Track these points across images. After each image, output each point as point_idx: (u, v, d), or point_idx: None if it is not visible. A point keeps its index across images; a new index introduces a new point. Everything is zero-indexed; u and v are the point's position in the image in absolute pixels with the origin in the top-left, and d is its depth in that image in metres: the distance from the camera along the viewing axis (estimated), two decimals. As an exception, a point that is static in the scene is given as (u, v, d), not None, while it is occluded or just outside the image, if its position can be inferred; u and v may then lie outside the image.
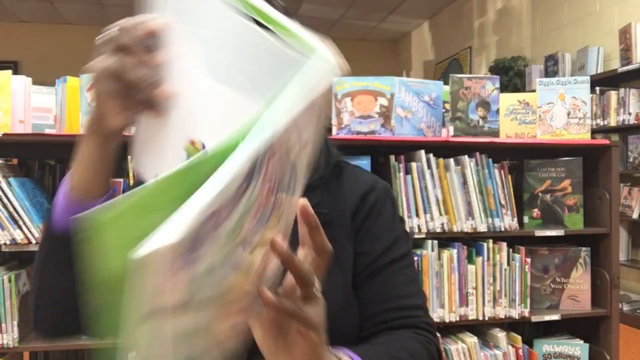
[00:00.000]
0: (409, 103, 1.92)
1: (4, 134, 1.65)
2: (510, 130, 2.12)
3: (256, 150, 0.38)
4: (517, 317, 1.90)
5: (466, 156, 1.88)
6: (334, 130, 1.88)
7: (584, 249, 2.02)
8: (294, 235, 0.78)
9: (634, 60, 3.90)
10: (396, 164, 1.83)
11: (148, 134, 0.59)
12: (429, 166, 1.85)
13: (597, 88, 4.13)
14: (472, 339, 1.88)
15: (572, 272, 2.03)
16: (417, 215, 1.83)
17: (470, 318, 1.86)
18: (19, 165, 1.90)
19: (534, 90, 2.18)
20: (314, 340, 0.54)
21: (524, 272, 1.92)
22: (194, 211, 0.33)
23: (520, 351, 1.91)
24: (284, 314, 0.51)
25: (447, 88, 2.02)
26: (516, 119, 2.13)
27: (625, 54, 3.99)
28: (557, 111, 2.03)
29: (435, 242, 1.85)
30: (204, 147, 0.57)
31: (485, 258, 1.88)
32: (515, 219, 1.92)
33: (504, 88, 4.94)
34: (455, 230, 1.85)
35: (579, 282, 2.02)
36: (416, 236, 1.83)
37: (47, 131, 1.80)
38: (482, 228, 1.87)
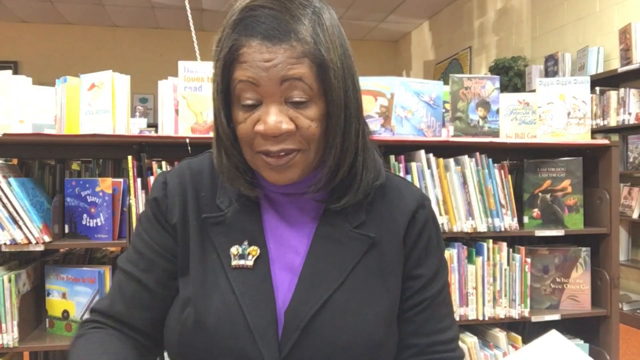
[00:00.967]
0: (409, 103, 1.92)
1: (4, 134, 1.65)
2: (510, 130, 2.12)
3: None
4: (517, 317, 1.90)
5: (466, 156, 1.88)
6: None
7: (584, 249, 2.02)
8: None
9: (634, 60, 3.90)
10: (396, 164, 1.83)
11: None
12: (429, 166, 1.85)
13: (597, 88, 4.13)
14: (472, 339, 1.88)
15: (572, 272, 2.03)
16: (417, 215, 1.82)
17: (470, 318, 1.86)
18: (19, 165, 1.90)
19: (534, 90, 2.18)
20: None
21: (524, 272, 1.92)
22: None
23: (520, 351, 1.91)
24: None
25: (447, 88, 2.02)
26: (516, 119, 2.13)
27: (625, 54, 3.99)
28: (557, 111, 2.03)
29: (435, 242, 1.85)
30: None
31: (485, 258, 1.88)
32: (515, 219, 1.92)
33: (504, 88, 4.93)
34: (455, 230, 1.85)
35: (579, 282, 2.02)
36: (416, 236, 1.83)
37: (47, 131, 1.80)
38: (482, 228, 1.87)
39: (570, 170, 2.01)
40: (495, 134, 1.98)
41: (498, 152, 2.02)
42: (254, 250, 0.76)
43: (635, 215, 3.90)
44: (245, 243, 0.77)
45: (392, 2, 6.74)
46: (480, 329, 1.98)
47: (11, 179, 1.67)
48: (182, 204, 0.80)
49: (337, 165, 0.75)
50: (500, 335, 1.91)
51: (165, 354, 0.83)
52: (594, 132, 4.12)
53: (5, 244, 1.65)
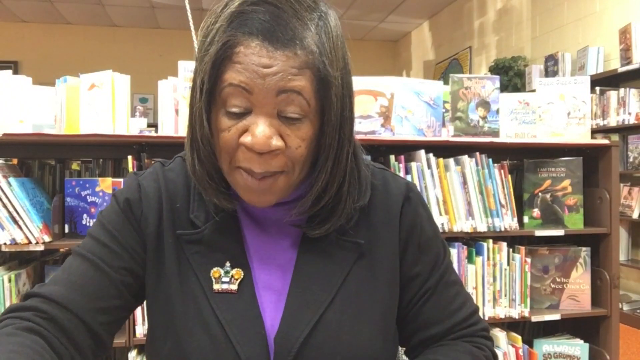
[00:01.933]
0: (409, 103, 1.92)
1: (4, 134, 1.65)
2: (510, 130, 2.12)
3: None
4: (517, 317, 1.90)
5: (466, 156, 1.88)
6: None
7: (584, 249, 2.02)
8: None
9: (634, 60, 3.90)
10: (396, 163, 1.83)
11: None
12: (429, 166, 1.85)
13: (597, 88, 4.12)
14: (472, 339, 1.88)
15: (572, 272, 2.02)
16: (417, 215, 1.82)
17: (470, 318, 1.86)
18: (19, 165, 1.90)
19: (534, 90, 2.18)
20: None
21: (524, 272, 1.92)
22: None
23: (520, 351, 1.91)
24: None
25: (447, 88, 2.02)
26: (516, 119, 2.13)
27: (625, 54, 3.99)
28: (557, 111, 2.03)
29: (435, 242, 1.85)
30: None
31: (485, 258, 1.88)
32: (515, 219, 1.92)
33: (504, 88, 4.93)
34: (455, 230, 1.85)
35: (579, 282, 2.02)
36: (416, 236, 1.83)
37: (47, 131, 1.80)
38: (482, 228, 1.87)
39: (570, 170, 2.01)
40: (495, 134, 1.98)
41: (498, 152, 2.02)
42: (238, 273, 0.69)
43: (635, 215, 3.90)
44: (228, 265, 0.70)
45: (392, 2, 6.74)
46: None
47: (11, 179, 1.67)
48: (158, 214, 0.72)
49: (323, 190, 0.68)
50: (500, 335, 1.91)
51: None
52: (594, 132, 4.12)
53: (5, 244, 1.64)
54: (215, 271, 0.69)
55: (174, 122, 1.83)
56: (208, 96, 0.63)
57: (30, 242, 1.66)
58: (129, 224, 0.72)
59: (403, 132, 1.90)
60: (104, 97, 1.78)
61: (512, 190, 1.93)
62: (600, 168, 2.03)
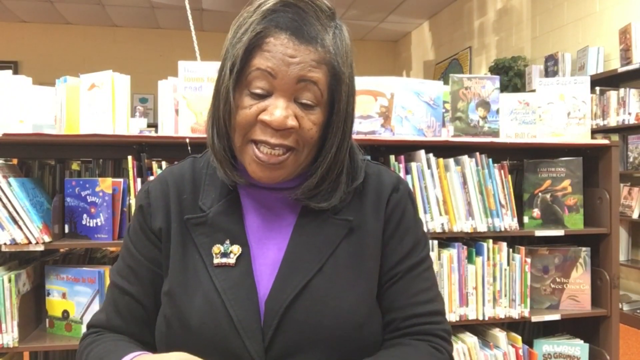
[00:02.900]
0: (409, 103, 1.92)
1: (4, 134, 1.65)
2: (510, 130, 2.12)
3: None
4: (517, 317, 1.90)
5: (466, 156, 1.88)
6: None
7: (584, 249, 2.02)
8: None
9: (634, 60, 3.90)
10: (396, 164, 1.83)
11: None
12: (429, 166, 1.85)
13: (597, 88, 4.13)
14: (472, 339, 1.88)
15: (572, 272, 2.03)
16: (417, 215, 1.82)
17: (470, 318, 1.86)
18: (19, 165, 1.90)
19: (534, 90, 2.18)
20: None
21: (524, 272, 1.92)
22: None
23: (520, 351, 1.91)
24: None
25: (447, 88, 2.02)
26: (516, 119, 2.13)
27: (625, 54, 3.99)
28: (557, 111, 2.03)
29: (435, 242, 1.85)
30: None
31: (485, 258, 1.88)
32: (515, 219, 1.92)
33: (504, 88, 4.93)
34: (455, 230, 1.85)
35: (579, 282, 2.02)
36: (416, 236, 1.83)
37: (47, 131, 1.80)
38: (482, 228, 1.87)
39: (570, 170, 2.01)
40: (495, 134, 1.98)
41: (498, 152, 2.02)
42: (236, 249, 0.77)
43: (635, 215, 3.90)
44: (227, 242, 0.78)
45: (392, 2, 6.74)
46: (480, 329, 1.98)
47: (11, 179, 1.67)
48: (165, 208, 0.82)
49: (325, 174, 0.77)
50: (500, 335, 1.91)
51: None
52: (594, 132, 4.12)
53: (5, 244, 1.64)
54: (216, 248, 0.78)
55: (174, 122, 1.83)
56: (236, 77, 0.72)
57: (30, 242, 1.66)
58: (145, 235, 0.83)
59: (403, 132, 1.90)
60: (104, 97, 1.78)
61: (512, 190, 1.92)
62: (600, 168, 2.03)
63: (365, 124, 1.89)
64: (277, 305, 0.74)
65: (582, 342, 2.01)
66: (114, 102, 1.78)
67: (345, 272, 0.77)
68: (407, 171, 1.83)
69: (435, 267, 1.83)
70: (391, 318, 0.81)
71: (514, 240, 2.06)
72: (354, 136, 1.88)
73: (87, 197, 1.76)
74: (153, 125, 2.93)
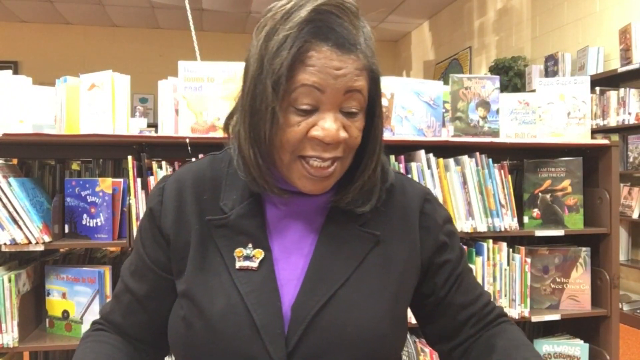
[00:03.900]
0: (409, 103, 1.92)
1: (4, 134, 1.65)
2: (510, 130, 2.12)
3: None
4: (517, 317, 1.90)
5: (466, 156, 1.88)
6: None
7: (584, 249, 2.02)
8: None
9: (634, 60, 3.90)
10: (396, 164, 1.84)
11: None
12: (429, 166, 1.85)
13: (597, 88, 4.12)
14: (472, 339, 1.88)
15: (572, 272, 2.03)
16: (417, 215, 1.82)
17: (470, 318, 1.86)
18: (19, 165, 1.90)
19: (534, 90, 2.18)
20: None
21: (524, 272, 1.92)
22: None
23: (520, 351, 1.91)
24: None
25: (447, 88, 2.02)
26: (516, 119, 2.13)
27: (625, 54, 3.99)
28: (557, 111, 2.03)
29: (435, 242, 1.85)
30: None
31: (485, 258, 1.88)
32: (515, 219, 1.92)
33: (504, 88, 4.93)
34: (455, 230, 1.84)
35: (579, 282, 2.02)
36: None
37: (47, 131, 1.80)
38: (482, 228, 1.87)
39: (570, 170, 2.01)
40: (495, 134, 1.98)
41: (498, 152, 2.02)
42: (258, 253, 0.76)
43: (635, 215, 3.90)
44: (250, 246, 0.77)
45: (392, 2, 6.74)
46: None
47: (11, 179, 1.67)
48: (177, 209, 0.80)
49: (369, 177, 0.78)
50: (500, 335, 1.91)
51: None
52: (594, 132, 4.12)
53: (5, 244, 1.64)
54: (239, 251, 0.77)
55: (174, 122, 1.83)
56: (281, 94, 0.69)
57: (30, 242, 1.66)
58: (153, 237, 0.82)
59: (403, 132, 1.90)
60: (104, 97, 1.78)
61: (512, 190, 1.93)
62: (600, 168, 2.03)
63: (365, 124, 1.89)
64: (304, 312, 0.73)
65: (582, 342, 2.01)
66: (114, 102, 1.78)
67: (371, 283, 0.77)
68: (407, 171, 1.83)
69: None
70: (471, 313, 0.86)
71: (514, 240, 2.06)
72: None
73: (87, 197, 1.76)
74: (153, 125, 2.93)
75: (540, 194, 2.03)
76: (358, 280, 0.76)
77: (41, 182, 1.89)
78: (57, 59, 7.34)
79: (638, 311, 3.84)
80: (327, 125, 0.69)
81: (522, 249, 1.93)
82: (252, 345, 0.72)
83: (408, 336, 1.74)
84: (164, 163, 1.74)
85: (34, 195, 1.75)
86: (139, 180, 1.72)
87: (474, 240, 1.94)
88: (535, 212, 2.03)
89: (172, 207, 0.80)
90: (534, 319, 1.94)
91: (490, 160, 1.91)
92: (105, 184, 1.75)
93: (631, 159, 3.99)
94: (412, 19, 7.49)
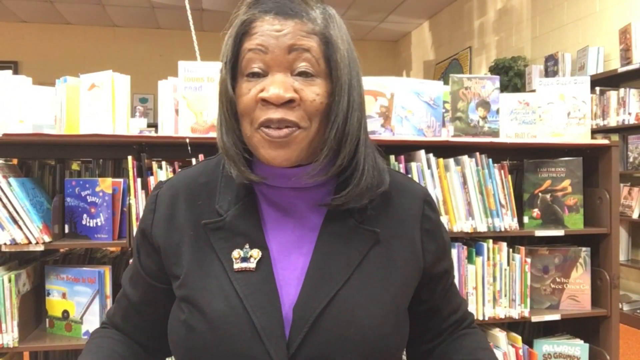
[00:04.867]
0: (409, 103, 1.92)
1: (4, 134, 1.65)
2: (510, 130, 2.12)
3: None
4: (517, 317, 1.90)
5: (466, 156, 1.88)
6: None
7: (584, 249, 2.02)
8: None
9: (634, 60, 3.90)
10: (396, 163, 1.83)
11: None
12: (429, 166, 1.85)
13: (597, 88, 4.12)
14: (472, 339, 1.88)
15: (572, 272, 2.03)
16: (417, 215, 1.82)
17: (470, 318, 1.86)
18: (19, 165, 1.90)
19: (534, 90, 2.18)
20: None
21: (524, 272, 1.92)
22: None
23: (520, 351, 1.91)
24: None
25: (447, 88, 2.02)
26: (516, 119, 2.13)
27: (625, 54, 3.99)
28: (557, 111, 2.03)
29: (435, 242, 1.85)
30: None
31: (485, 258, 1.88)
32: (515, 219, 1.92)
33: (504, 88, 4.93)
34: (455, 230, 1.85)
35: (579, 282, 2.02)
36: (416, 236, 1.83)
37: (47, 131, 1.80)
38: (482, 228, 1.87)
39: (570, 170, 2.01)
40: (495, 134, 1.98)
41: (498, 152, 2.02)
42: (256, 253, 0.76)
43: (635, 215, 3.90)
44: (247, 246, 0.76)
45: (392, 2, 6.74)
46: (480, 329, 1.98)
47: (11, 179, 1.67)
48: (170, 217, 0.81)
49: (337, 146, 0.75)
50: (500, 335, 1.91)
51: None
52: (594, 132, 4.12)
53: (5, 244, 1.64)
54: (236, 253, 0.76)
55: (174, 122, 1.83)
56: (231, 67, 0.73)
57: (30, 242, 1.66)
58: (145, 244, 0.84)
59: (403, 132, 1.90)
60: (104, 97, 1.78)
61: (512, 190, 1.92)
62: (600, 168, 2.03)
63: (365, 124, 1.88)
64: (307, 314, 0.72)
65: (582, 342, 2.01)
66: (114, 102, 1.78)
67: (372, 283, 0.76)
68: (407, 171, 1.83)
69: (435, 267, 1.84)
70: (454, 320, 0.90)
71: (514, 240, 2.06)
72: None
73: (87, 197, 1.76)
74: (153, 125, 2.93)
75: (540, 194, 2.03)
76: (359, 280, 0.76)
77: (41, 182, 1.89)
78: (57, 59, 7.34)
79: (638, 311, 3.84)
80: (273, 84, 0.70)
81: (522, 249, 1.93)
82: (254, 348, 0.71)
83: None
84: (164, 163, 1.74)
85: (34, 195, 1.75)
86: (139, 180, 1.72)
87: (474, 240, 1.94)
88: (535, 212, 2.03)
89: (164, 215, 0.81)
90: (534, 319, 1.94)
91: (490, 160, 1.91)
92: (105, 184, 1.75)
93: (631, 159, 3.99)
94: (412, 19, 7.49)
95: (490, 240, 1.90)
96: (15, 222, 1.65)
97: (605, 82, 4.15)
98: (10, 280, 1.63)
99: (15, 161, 1.93)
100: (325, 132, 0.74)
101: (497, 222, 1.89)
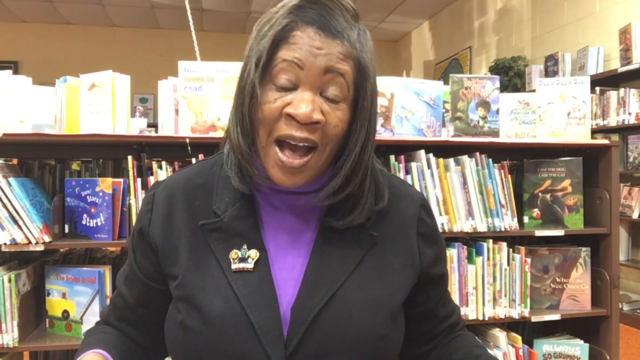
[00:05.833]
0: (409, 103, 1.92)
1: (4, 134, 1.65)
2: (510, 130, 2.12)
3: None
4: (517, 317, 1.90)
5: (466, 156, 1.88)
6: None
7: (584, 249, 2.02)
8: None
9: (634, 60, 3.90)
10: (396, 163, 1.83)
11: None
12: (429, 166, 1.85)
13: (597, 88, 4.12)
14: (472, 339, 1.88)
15: (572, 272, 2.02)
16: (417, 215, 1.82)
17: (470, 318, 1.86)
18: (19, 165, 1.90)
19: (534, 90, 2.18)
20: None
21: (524, 272, 1.92)
22: None
23: (520, 351, 1.91)
24: None
25: (447, 88, 2.02)
26: (516, 119, 2.13)
27: (625, 54, 3.99)
28: (557, 111, 2.03)
29: (435, 242, 1.85)
30: None
31: (485, 258, 1.88)
32: (515, 219, 1.92)
33: (504, 88, 4.93)
34: (455, 230, 1.85)
35: (579, 282, 2.02)
36: (416, 236, 1.83)
37: (47, 131, 1.80)
38: (482, 228, 1.87)
39: (570, 170, 2.01)
40: (495, 134, 1.98)
41: (498, 152, 2.02)
42: (254, 253, 0.76)
43: (635, 215, 3.90)
44: (244, 247, 0.76)
45: (392, 2, 6.74)
46: (480, 329, 1.98)
47: (11, 179, 1.67)
48: (167, 217, 0.80)
49: (348, 178, 0.75)
50: (500, 335, 1.91)
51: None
52: (594, 132, 4.12)
53: (5, 244, 1.65)
54: (234, 253, 0.76)
55: (174, 122, 1.83)
56: (262, 71, 0.71)
57: (30, 242, 1.66)
58: (141, 245, 0.83)
59: (403, 132, 1.90)
60: (104, 97, 1.78)
61: (512, 190, 1.92)
62: (600, 168, 2.03)
63: (365, 124, 1.88)
64: (304, 314, 0.73)
65: (582, 342, 2.01)
66: (114, 102, 1.78)
67: (369, 284, 0.77)
68: (407, 171, 1.84)
69: (435, 267, 1.84)
70: (448, 324, 0.90)
71: (514, 240, 2.06)
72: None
73: (87, 197, 1.76)
74: (153, 125, 2.93)
75: (540, 194, 2.03)
76: (357, 281, 0.76)
77: (41, 182, 1.89)
78: (57, 59, 7.34)
79: (638, 311, 3.84)
80: (302, 102, 0.69)
81: (522, 249, 1.93)
82: (251, 348, 0.71)
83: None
84: (164, 163, 1.74)
85: (34, 195, 1.75)
86: (139, 180, 1.72)
87: (474, 240, 1.94)
88: (535, 212, 2.03)
89: (161, 214, 0.80)
90: (534, 319, 1.94)
91: (490, 160, 1.91)
92: (105, 184, 1.75)
93: (631, 159, 3.99)
94: (412, 19, 7.49)
95: (490, 240, 1.90)
96: (15, 222, 1.65)
97: (605, 82, 4.15)
98: (10, 280, 1.63)
99: (15, 161, 1.93)
100: (336, 156, 0.75)
101: (497, 222, 1.89)
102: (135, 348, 0.86)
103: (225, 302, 0.73)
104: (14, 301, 1.64)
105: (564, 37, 4.87)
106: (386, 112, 1.90)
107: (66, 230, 1.79)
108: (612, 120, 4.07)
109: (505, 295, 1.90)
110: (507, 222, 1.90)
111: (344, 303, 0.74)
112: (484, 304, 1.88)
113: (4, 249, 1.65)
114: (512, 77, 5.11)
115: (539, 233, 1.96)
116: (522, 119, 2.12)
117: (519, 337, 1.92)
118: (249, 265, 0.75)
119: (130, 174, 1.72)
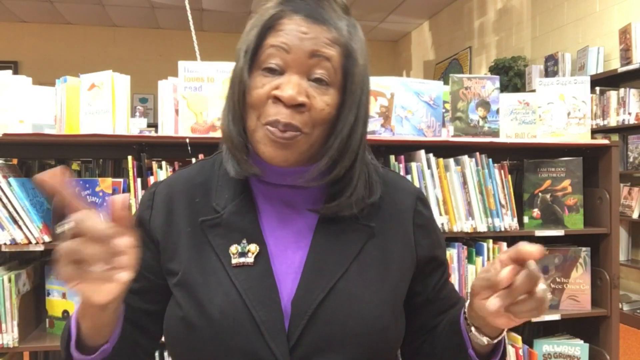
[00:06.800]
0: (409, 103, 1.92)
1: (4, 134, 1.65)
2: (510, 130, 2.12)
3: None
4: (517, 317, 1.90)
5: (466, 156, 1.88)
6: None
7: (584, 249, 2.02)
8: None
9: (634, 60, 3.90)
10: (396, 164, 1.84)
11: None
12: (429, 166, 1.85)
13: (597, 88, 4.13)
14: (472, 339, 1.88)
15: (572, 272, 2.03)
16: (417, 215, 1.82)
17: (470, 318, 1.86)
18: (19, 165, 1.90)
19: (534, 90, 2.18)
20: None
21: (524, 272, 1.91)
22: None
23: (520, 351, 1.91)
24: None
25: (447, 88, 2.02)
26: (516, 119, 2.13)
27: (625, 54, 3.99)
28: (557, 111, 2.03)
29: (435, 242, 1.85)
30: None
31: (485, 258, 1.88)
32: (515, 219, 1.92)
33: (504, 88, 4.93)
34: (455, 230, 1.85)
35: (579, 282, 2.02)
36: (416, 236, 1.83)
37: (47, 131, 1.80)
38: (482, 228, 1.87)
39: (570, 170, 2.01)
40: (495, 134, 1.98)
41: (498, 152, 2.02)
42: (254, 248, 0.77)
43: (635, 215, 3.90)
44: (244, 241, 0.77)
45: (392, 2, 6.74)
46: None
47: (11, 179, 1.67)
48: (167, 213, 0.81)
49: (338, 157, 0.76)
50: (500, 335, 1.91)
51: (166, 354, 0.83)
52: (594, 132, 4.12)
53: (5, 244, 1.65)
54: (234, 248, 0.77)
55: (174, 122, 1.83)
56: (251, 58, 0.74)
57: (30, 242, 1.66)
58: (142, 239, 0.79)
59: (403, 132, 1.90)
60: (104, 97, 1.78)
61: (512, 190, 1.93)
62: (600, 168, 2.03)
63: (365, 124, 1.89)
64: (305, 306, 0.73)
65: (582, 342, 2.01)
66: (114, 102, 1.78)
67: (369, 276, 0.77)
68: (407, 171, 1.84)
69: (435, 267, 1.84)
70: (440, 320, 0.88)
71: (514, 240, 2.06)
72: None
73: (87, 197, 1.76)
74: (153, 125, 2.93)
75: (540, 194, 2.03)
76: (357, 272, 0.77)
77: (41, 182, 1.89)
78: (57, 59, 7.34)
79: (638, 311, 3.84)
80: (288, 84, 0.71)
81: (522, 249, 1.93)
82: (254, 342, 0.71)
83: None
84: (164, 163, 1.74)
85: (34, 195, 1.75)
86: (139, 180, 1.72)
87: (474, 240, 1.94)
88: (535, 212, 2.03)
89: (162, 211, 0.81)
90: (534, 319, 1.94)
91: (490, 160, 1.91)
92: (105, 184, 1.75)
93: (631, 159, 3.99)
94: (412, 19, 7.49)
95: (490, 240, 1.90)
96: (15, 222, 1.65)
97: (605, 82, 4.15)
98: (10, 280, 1.63)
99: (15, 161, 1.93)
100: (326, 140, 0.75)
101: (497, 222, 1.89)
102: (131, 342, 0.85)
103: (227, 297, 0.73)
104: (14, 301, 1.64)
105: (564, 37, 4.87)
106: (386, 112, 1.90)
107: (66, 230, 1.79)
108: (612, 120, 4.07)
109: (505, 295, 1.90)
110: (507, 222, 1.90)
111: (344, 295, 0.75)
112: (484, 304, 1.87)
113: (4, 249, 1.65)
114: (512, 77, 5.11)
115: (539, 233, 1.96)
116: (522, 119, 2.12)
117: (519, 337, 1.92)
118: (249, 259, 0.76)
119: (130, 174, 1.72)
